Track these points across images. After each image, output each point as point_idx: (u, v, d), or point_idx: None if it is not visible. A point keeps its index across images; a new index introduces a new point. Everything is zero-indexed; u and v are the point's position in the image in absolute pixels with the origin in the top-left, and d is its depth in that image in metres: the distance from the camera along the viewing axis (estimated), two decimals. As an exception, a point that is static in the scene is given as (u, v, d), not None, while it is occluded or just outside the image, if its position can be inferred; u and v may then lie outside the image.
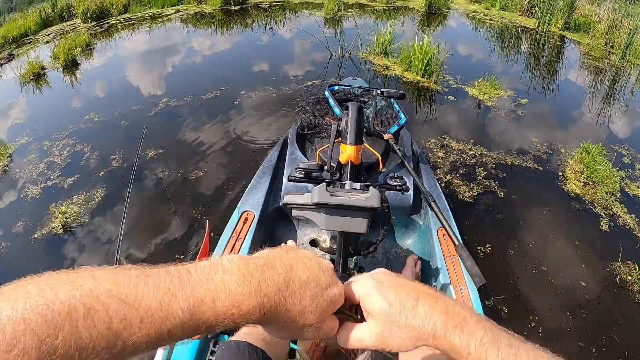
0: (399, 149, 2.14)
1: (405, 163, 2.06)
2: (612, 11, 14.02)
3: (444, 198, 2.33)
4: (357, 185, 1.55)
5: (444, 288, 1.91)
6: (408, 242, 2.35)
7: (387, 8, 10.62)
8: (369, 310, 0.62)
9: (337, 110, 2.40)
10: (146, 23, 9.26)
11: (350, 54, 6.43)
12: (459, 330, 0.57)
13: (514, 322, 2.69)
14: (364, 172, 1.79)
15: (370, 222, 1.52)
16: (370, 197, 1.45)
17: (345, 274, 1.69)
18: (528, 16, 13.63)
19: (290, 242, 2.00)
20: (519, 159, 4.38)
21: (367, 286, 0.63)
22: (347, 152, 1.68)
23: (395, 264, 2.24)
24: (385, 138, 2.23)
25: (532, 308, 2.79)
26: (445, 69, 6.09)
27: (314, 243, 2.23)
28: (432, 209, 1.76)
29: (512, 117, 5.34)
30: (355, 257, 2.03)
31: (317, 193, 1.45)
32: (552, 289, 3.00)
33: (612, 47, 12.61)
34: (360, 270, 2.01)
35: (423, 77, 5.70)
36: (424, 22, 9.88)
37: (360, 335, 0.62)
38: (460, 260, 1.68)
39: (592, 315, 2.87)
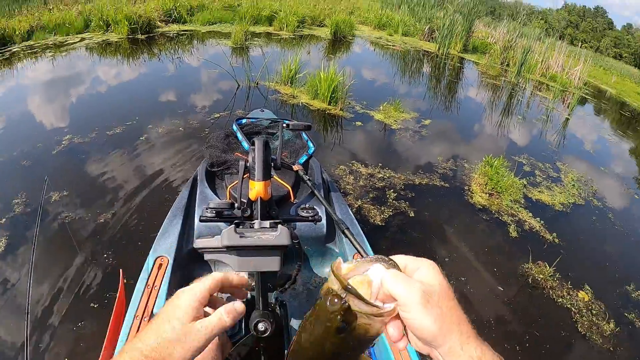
0: (308, 179, 2.10)
1: (316, 192, 2.02)
2: (507, 33, 15.08)
3: (357, 223, 2.34)
4: (267, 223, 1.55)
5: None
6: (326, 270, 2.31)
7: (294, 37, 10.81)
8: (407, 322, 0.59)
9: (245, 144, 2.35)
10: (50, 51, 8.78)
11: (257, 83, 6.40)
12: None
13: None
14: (274, 207, 1.77)
15: (283, 259, 1.52)
16: (279, 235, 1.47)
17: (267, 311, 1.66)
18: (429, 40, 14.36)
19: None
20: (426, 178, 4.53)
21: (412, 294, 0.58)
22: (256, 189, 1.67)
23: (316, 294, 2.19)
24: (295, 169, 2.19)
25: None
26: (351, 95, 6.21)
27: None
28: (346, 236, 1.72)
29: (417, 138, 5.53)
30: (275, 292, 2.01)
31: (226, 236, 1.44)
32: (472, 299, 3.12)
33: (507, 65, 13.52)
34: (283, 304, 1.98)
35: (329, 104, 5.78)
36: (329, 49, 10.10)
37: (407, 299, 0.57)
38: None
39: (512, 316, 3.05)
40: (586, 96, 15.37)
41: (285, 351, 1.90)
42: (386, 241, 3.51)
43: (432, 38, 14.13)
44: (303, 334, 0.67)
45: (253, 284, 1.94)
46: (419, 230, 3.73)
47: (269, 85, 6.38)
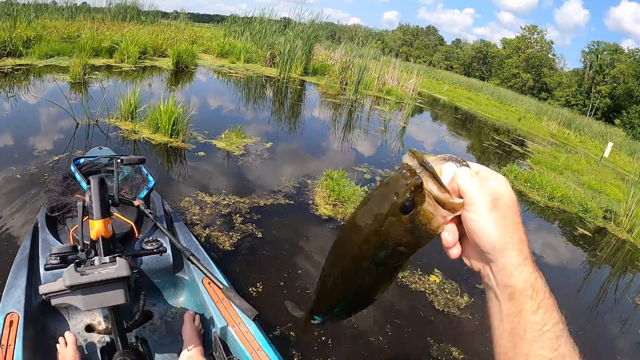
0: (150, 213, 2.17)
1: (159, 225, 2.09)
2: (345, 54, 16.17)
3: (202, 249, 2.44)
4: (106, 258, 1.61)
5: (223, 330, 2.01)
6: (180, 300, 2.38)
7: (135, 69, 10.60)
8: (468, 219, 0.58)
9: (84, 185, 2.29)
10: None
11: (97, 121, 6.15)
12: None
13: (307, 342, 2.94)
14: (118, 244, 1.82)
15: (129, 291, 1.59)
16: (118, 268, 1.53)
17: (127, 350, 1.70)
18: (271, 66, 14.93)
19: (67, 335, 1.91)
20: (271, 198, 4.75)
21: (482, 194, 0.57)
22: (96, 228, 1.70)
23: (173, 324, 2.25)
24: (136, 204, 2.23)
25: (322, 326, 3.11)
26: (192, 126, 6.27)
27: (89, 328, 2.13)
28: (192, 262, 1.83)
29: (260, 162, 5.80)
30: (133, 330, 2.01)
31: (67, 276, 1.46)
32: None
33: (346, 84, 14.51)
34: (144, 341, 2.01)
35: (171, 137, 5.79)
36: (172, 80, 10.11)
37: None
38: (230, 301, 1.74)
39: (373, 310, 3.38)
40: (422, 105, 16.88)
41: None
42: (239, 264, 3.60)
43: (274, 63, 14.73)
44: (362, 208, 0.62)
45: (109, 326, 1.93)
46: (269, 249, 3.88)
47: (109, 122, 6.15)
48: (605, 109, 58.36)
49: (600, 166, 13.97)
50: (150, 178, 2.61)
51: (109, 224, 1.76)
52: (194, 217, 4.09)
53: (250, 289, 3.28)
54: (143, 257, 2.10)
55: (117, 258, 1.59)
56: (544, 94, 64.40)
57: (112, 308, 1.64)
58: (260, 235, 4.05)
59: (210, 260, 2.37)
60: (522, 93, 55.77)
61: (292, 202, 4.84)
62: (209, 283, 2.19)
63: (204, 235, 3.85)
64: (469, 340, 3.54)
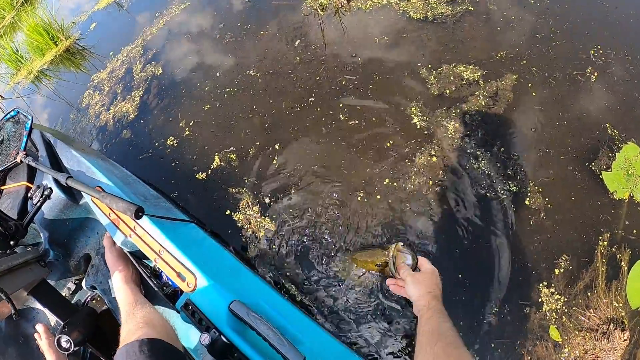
0: (32, 159, 1.84)
1: (40, 167, 1.78)
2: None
3: (85, 161, 2.01)
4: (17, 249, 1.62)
5: (125, 244, 1.78)
6: (103, 223, 1.97)
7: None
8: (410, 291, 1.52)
9: None
10: None
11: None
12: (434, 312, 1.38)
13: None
14: (10, 223, 1.68)
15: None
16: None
17: (66, 323, 1.61)
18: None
19: (37, 327, 1.65)
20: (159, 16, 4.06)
21: (407, 278, 1.54)
22: None
23: (98, 258, 1.93)
24: (19, 161, 1.87)
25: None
26: (64, 15, 5.17)
27: None
28: (70, 186, 1.59)
29: None
30: (83, 281, 1.91)
31: None
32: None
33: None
34: (93, 289, 1.85)
35: (56, 45, 4.75)
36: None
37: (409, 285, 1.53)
38: (112, 208, 1.59)
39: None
40: None
41: None
42: (154, 119, 3.25)
43: None
44: (363, 257, 1.94)
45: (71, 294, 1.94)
46: (176, 73, 3.49)
47: (9, 87, 5.11)
48: None
49: None
50: (28, 117, 2.12)
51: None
52: (96, 108, 3.59)
53: (170, 141, 2.99)
54: (42, 209, 1.85)
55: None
56: None
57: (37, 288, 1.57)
58: (160, 71, 3.56)
59: (94, 167, 1.98)
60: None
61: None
62: (93, 199, 1.85)
63: (110, 118, 3.41)
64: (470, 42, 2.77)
